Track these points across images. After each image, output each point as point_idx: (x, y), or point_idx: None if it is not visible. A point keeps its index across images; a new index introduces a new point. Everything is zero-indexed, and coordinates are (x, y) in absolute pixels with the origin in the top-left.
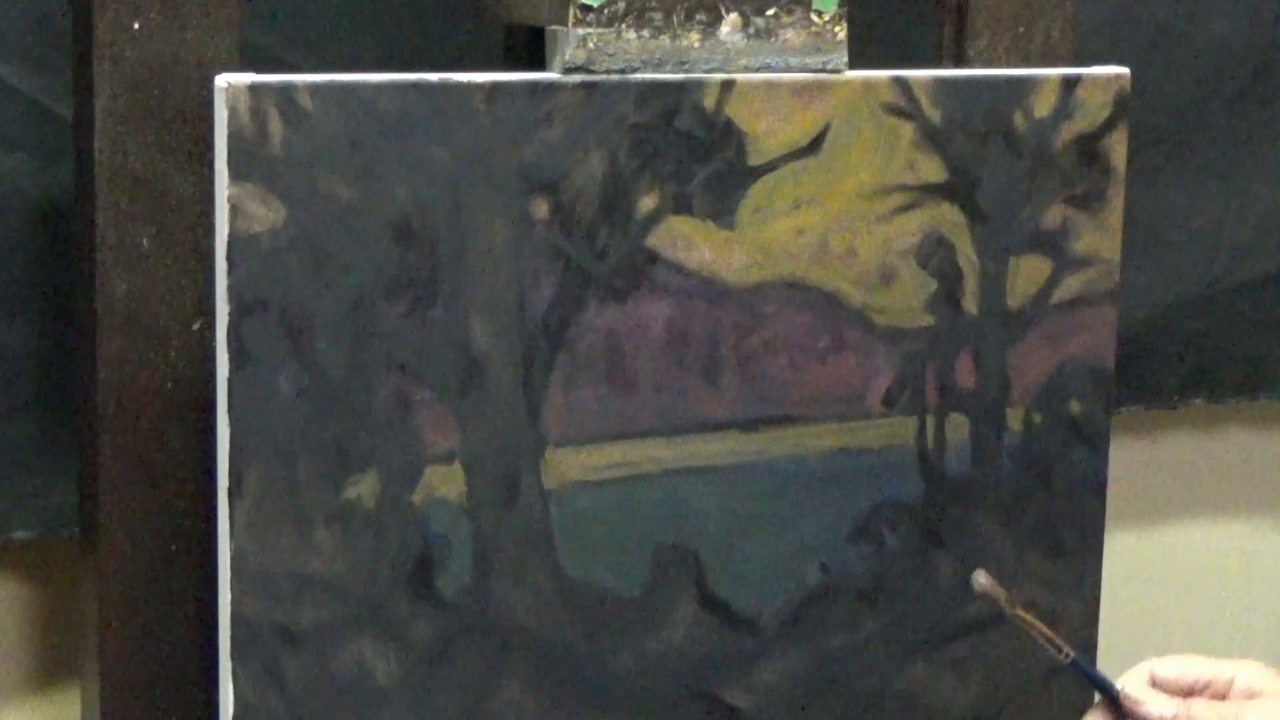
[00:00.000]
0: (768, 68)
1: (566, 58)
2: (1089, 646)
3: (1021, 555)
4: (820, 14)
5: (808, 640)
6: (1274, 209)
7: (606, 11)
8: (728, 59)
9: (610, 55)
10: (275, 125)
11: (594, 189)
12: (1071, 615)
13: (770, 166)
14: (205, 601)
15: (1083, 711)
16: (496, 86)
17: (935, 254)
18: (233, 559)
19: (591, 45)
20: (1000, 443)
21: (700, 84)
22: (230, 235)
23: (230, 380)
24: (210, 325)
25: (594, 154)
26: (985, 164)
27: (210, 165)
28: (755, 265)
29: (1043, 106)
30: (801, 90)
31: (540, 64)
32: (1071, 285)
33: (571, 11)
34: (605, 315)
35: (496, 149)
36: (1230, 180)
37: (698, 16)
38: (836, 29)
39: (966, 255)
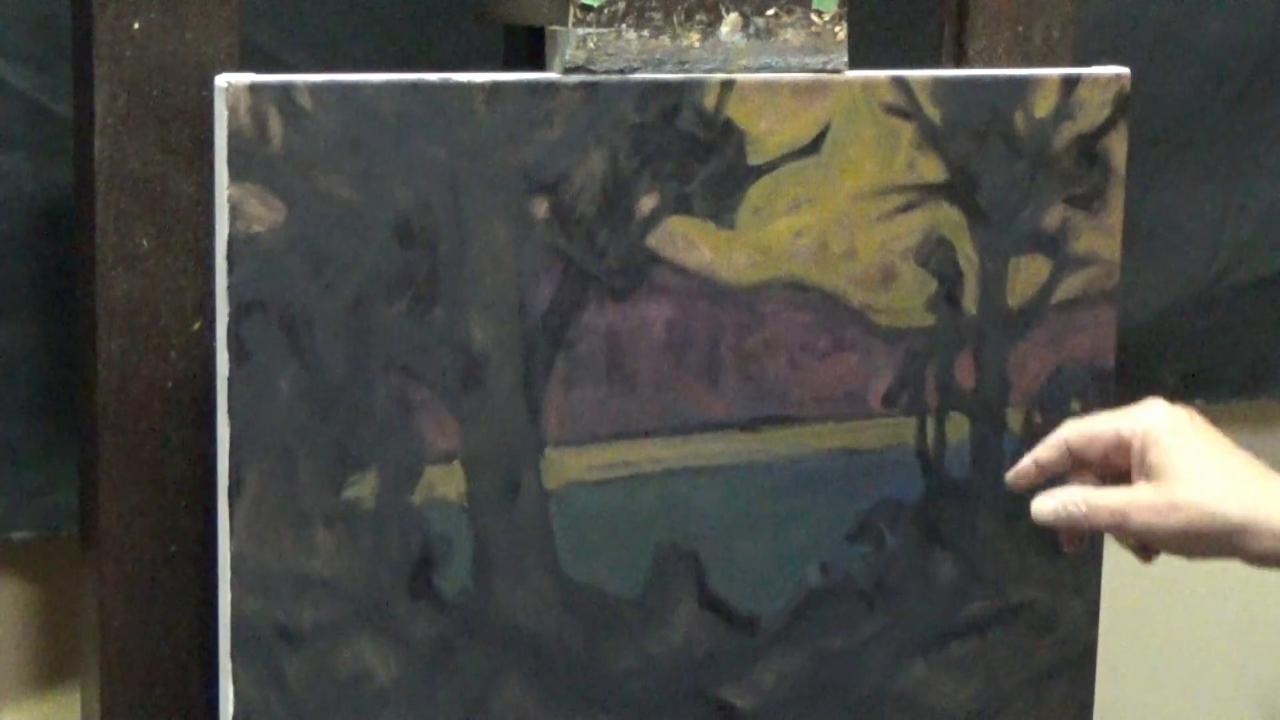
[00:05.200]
0: (768, 68)
1: (566, 58)
2: (1089, 646)
3: (1021, 555)
4: (820, 14)
5: (808, 640)
6: (1274, 209)
7: (606, 11)
8: (728, 59)
9: (610, 55)
10: (275, 125)
11: (594, 189)
12: (1071, 615)
13: (770, 166)
14: (205, 601)
15: (1083, 712)
16: (496, 86)
17: (935, 254)
18: (233, 559)
19: (591, 45)
20: (1000, 443)
21: (700, 84)
22: (230, 235)
23: (230, 380)
24: (210, 325)
25: (594, 154)
26: (985, 164)
27: (210, 165)
28: (755, 265)
29: (1043, 106)
30: (801, 90)
31: (540, 64)
32: (1071, 285)
33: (571, 11)
34: (605, 315)
35: (496, 149)
36: (1230, 180)
37: (698, 16)
38: (836, 29)
39: (966, 255)
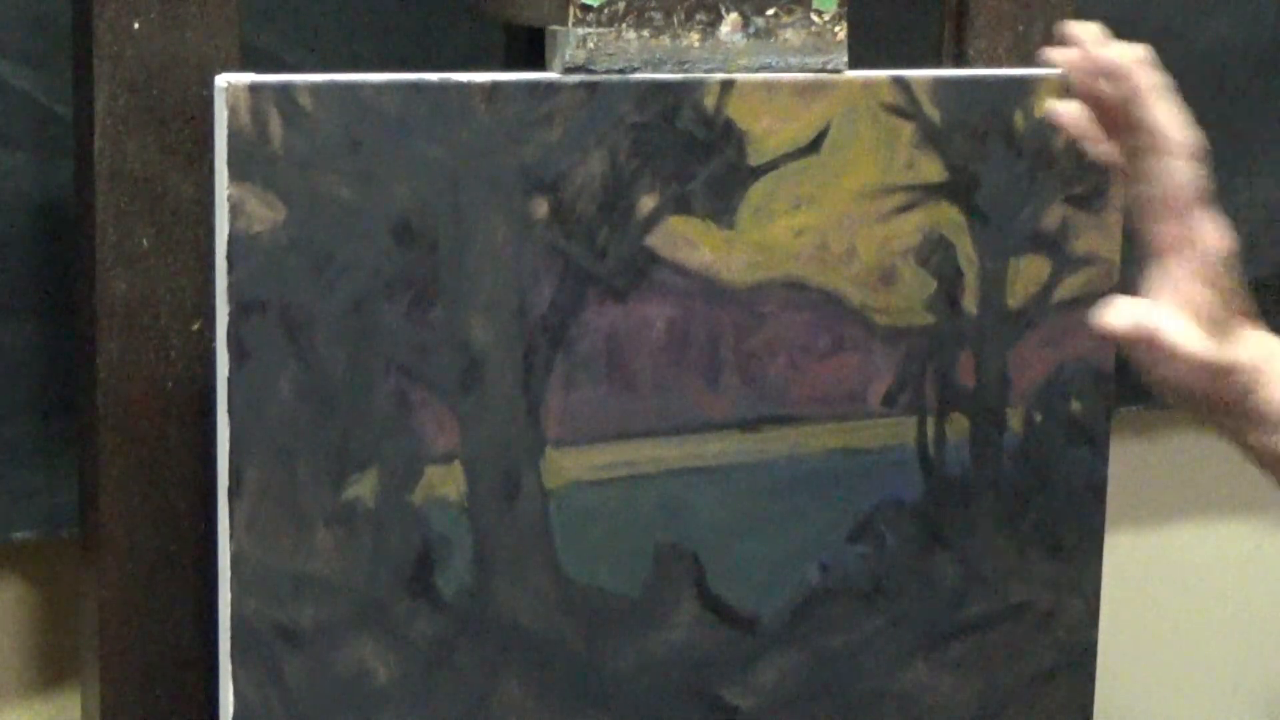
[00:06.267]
0: (768, 68)
1: (566, 58)
2: (1089, 646)
3: (1021, 555)
4: (820, 14)
5: (808, 640)
6: (1275, 208)
7: (606, 11)
8: (728, 59)
9: (610, 55)
10: (275, 125)
11: (594, 189)
12: (1071, 615)
13: (770, 166)
14: (205, 601)
15: (1083, 712)
16: (496, 86)
17: (935, 254)
18: (233, 559)
19: (591, 45)
20: (1000, 443)
21: (700, 84)
22: (230, 235)
23: (230, 380)
24: (210, 325)
25: (594, 154)
26: (985, 164)
27: (210, 165)
28: (755, 265)
29: (1043, 106)
30: (801, 90)
31: (540, 64)
32: (1071, 285)
33: (571, 11)
34: (605, 315)
35: (496, 149)
36: (1231, 180)
37: (698, 16)
38: (836, 29)
39: (966, 255)
